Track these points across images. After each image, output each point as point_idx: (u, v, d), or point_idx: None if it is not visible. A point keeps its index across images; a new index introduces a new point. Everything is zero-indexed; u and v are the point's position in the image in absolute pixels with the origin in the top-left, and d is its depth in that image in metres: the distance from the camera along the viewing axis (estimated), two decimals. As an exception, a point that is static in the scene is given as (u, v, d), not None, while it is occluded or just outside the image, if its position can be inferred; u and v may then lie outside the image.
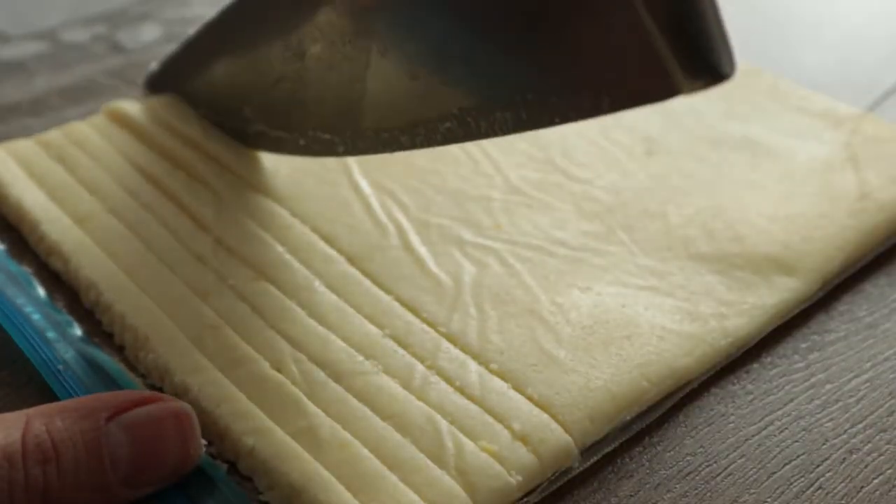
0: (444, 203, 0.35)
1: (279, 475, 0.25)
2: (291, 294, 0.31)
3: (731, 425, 0.29)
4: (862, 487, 0.27)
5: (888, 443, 0.29)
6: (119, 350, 0.30)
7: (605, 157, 0.38)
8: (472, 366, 0.29)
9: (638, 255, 0.33)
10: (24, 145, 0.37)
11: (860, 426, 0.29)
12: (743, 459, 0.28)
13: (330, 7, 0.30)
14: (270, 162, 0.36)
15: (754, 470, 0.28)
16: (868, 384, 0.30)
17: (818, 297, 0.33)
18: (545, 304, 0.31)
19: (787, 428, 0.29)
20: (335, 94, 0.32)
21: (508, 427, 0.27)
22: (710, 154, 0.39)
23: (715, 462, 0.28)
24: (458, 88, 0.28)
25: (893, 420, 0.29)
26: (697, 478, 0.27)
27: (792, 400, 0.30)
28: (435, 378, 0.28)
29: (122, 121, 0.38)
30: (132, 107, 0.38)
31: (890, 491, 0.27)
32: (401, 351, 0.29)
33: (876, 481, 0.27)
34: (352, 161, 0.37)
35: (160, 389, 0.28)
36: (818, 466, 0.28)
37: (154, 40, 0.45)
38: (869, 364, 0.31)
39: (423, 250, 0.33)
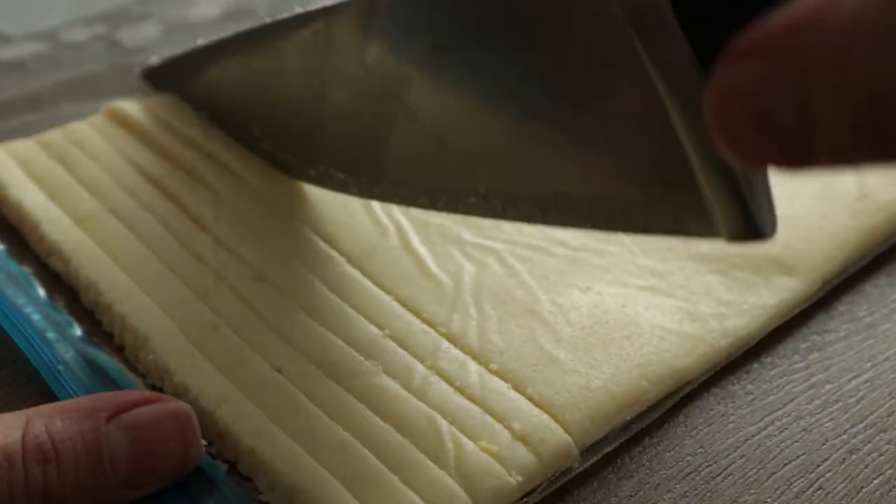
0: (445, 203, 0.35)
1: (279, 475, 0.25)
2: (291, 294, 0.31)
3: (731, 425, 0.29)
4: (862, 487, 0.27)
5: (888, 443, 0.29)
6: (119, 350, 0.30)
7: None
8: (472, 366, 0.29)
9: (638, 255, 0.33)
10: (24, 145, 0.36)
11: (860, 426, 0.29)
12: (743, 459, 0.28)
13: (359, 64, 0.29)
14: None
15: (754, 470, 0.28)
16: (868, 384, 0.30)
17: (818, 297, 0.33)
18: (545, 305, 0.31)
19: (787, 428, 0.29)
20: (355, 144, 0.31)
21: (508, 427, 0.27)
22: (710, 154, 0.39)
23: (715, 462, 0.28)
24: (487, 170, 0.27)
25: (893, 420, 0.29)
26: (697, 478, 0.27)
27: (792, 400, 0.30)
28: (435, 378, 0.28)
29: (121, 121, 0.38)
30: (132, 107, 0.38)
31: (890, 491, 0.27)
32: (401, 351, 0.29)
33: (876, 481, 0.27)
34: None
35: (160, 389, 0.28)
36: (818, 466, 0.28)
37: (154, 40, 0.45)
38: (869, 364, 0.31)
39: (423, 250, 0.33)
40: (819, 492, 0.27)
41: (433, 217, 0.34)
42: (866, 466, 0.28)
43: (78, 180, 0.35)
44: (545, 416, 0.27)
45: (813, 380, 0.30)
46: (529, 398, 0.28)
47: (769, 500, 0.27)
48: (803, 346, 0.32)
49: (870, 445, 0.28)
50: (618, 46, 0.22)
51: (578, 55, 0.23)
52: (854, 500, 0.27)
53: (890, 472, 0.28)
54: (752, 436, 0.29)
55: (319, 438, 0.26)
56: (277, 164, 0.35)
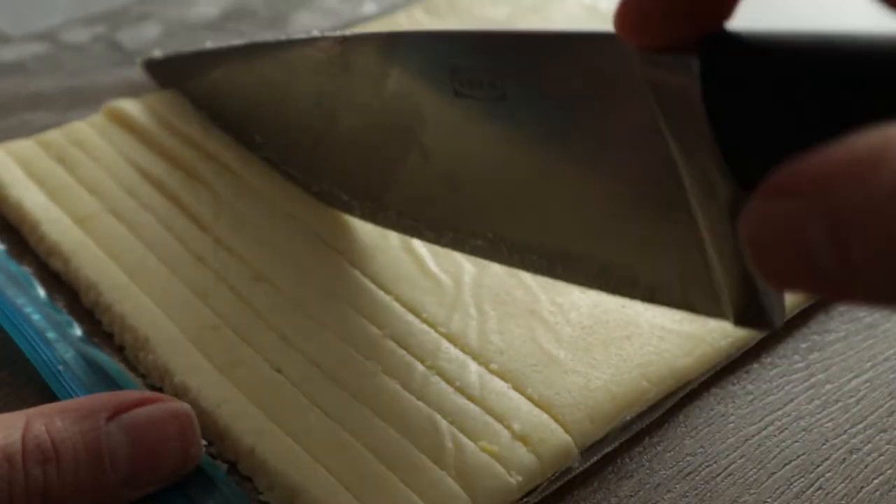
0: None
1: (279, 475, 0.25)
2: (291, 294, 0.31)
3: (731, 425, 0.29)
4: (862, 487, 0.27)
5: (888, 443, 0.29)
6: (119, 350, 0.30)
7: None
8: (472, 366, 0.29)
9: (638, 256, 0.33)
10: (24, 145, 0.36)
11: (860, 426, 0.29)
12: (743, 459, 0.28)
13: (375, 94, 0.29)
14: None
15: (754, 470, 0.28)
16: (868, 384, 0.30)
17: (818, 296, 0.33)
18: (545, 304, 0.31)
19: (787, 428, 0.29)
20: (363, 171, 0.31)
21: (508, 427, 0.27)
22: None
23: (715, 462, 0.28)
24: (497, 218, 0.27)
25: (893, 420, 0.29)
26: (697, 478, 0.27)
27: (792, 400, 0.30)
28: (435, 378, 0.28)
29: (121, 121, 0.38)
30: (132, 107, 0.38)
31: (890, 491, 0.27)
32: (401, 351, 0.29)
33: (876, 481, 0.27)
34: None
35: (160, 389, 0.28)
36: (818, 467, 0.28)
37: (154, 40, 0.45)
38: (869, 364, 0.31)
39: (423, 250, 0.33)
40: (819, 492, 0.27)
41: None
42: (866, 466, 0.28)
43: (78, 180, 0.35)
44: (545, 416, 0.27)
45: (813, 380, 0.30)
46: (529, 398, 0.28)
47: (769, 500, 0.27)
48: (803, 346, 0.32)
49: (870, 445, 0.28)
50: (646, 128, 0.22)
51: (605, 128, 0.23)
52: (854, 500, 0.27)
53: (890, 472, 0.28)
54: (752, 436, 0.29)
55: (319, 438, 0.26)
56: (279, 171, 0.35)
